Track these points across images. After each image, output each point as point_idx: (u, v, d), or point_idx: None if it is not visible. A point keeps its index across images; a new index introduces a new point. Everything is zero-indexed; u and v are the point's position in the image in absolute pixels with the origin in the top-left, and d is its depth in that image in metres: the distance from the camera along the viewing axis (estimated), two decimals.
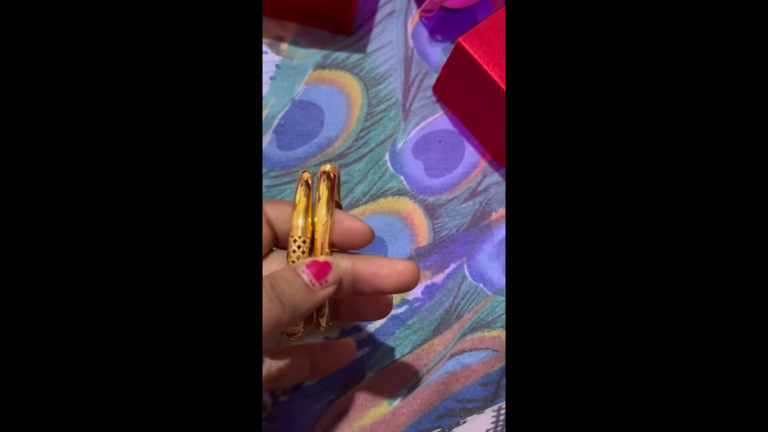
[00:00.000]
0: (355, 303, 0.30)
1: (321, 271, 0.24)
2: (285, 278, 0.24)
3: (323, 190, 0.25)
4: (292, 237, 0.25)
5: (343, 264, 0.25)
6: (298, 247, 0.25)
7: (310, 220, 0.25)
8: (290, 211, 0.26)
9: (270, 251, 0.27)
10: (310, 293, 0.24)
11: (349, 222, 0.26)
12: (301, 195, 0.25)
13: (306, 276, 0.24)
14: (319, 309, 0.25)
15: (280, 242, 0.27)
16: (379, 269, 0.25)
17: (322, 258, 0.25)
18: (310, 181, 0.26)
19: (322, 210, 0.25)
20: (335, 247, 0.27)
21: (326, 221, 0.25)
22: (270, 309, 0.22)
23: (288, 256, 0.25)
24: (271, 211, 0.26)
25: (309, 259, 0.25)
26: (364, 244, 0.27)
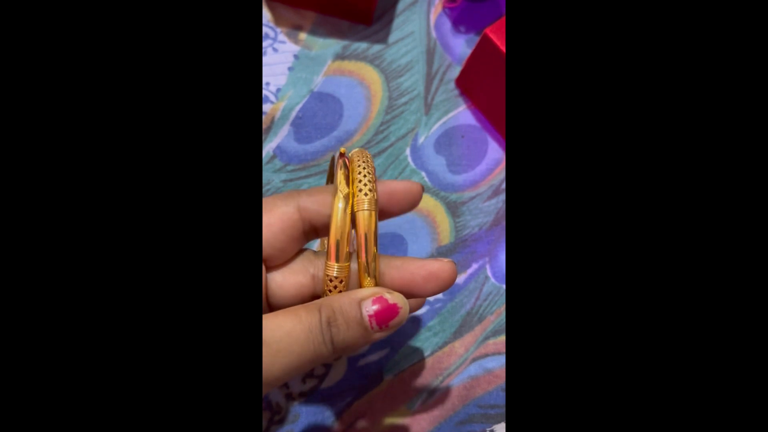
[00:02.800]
0: None
1: (386, 314, 0.21)
2: (345, 315, 0.20)
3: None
4: (327, 276, 0.22)
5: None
6: (335, 287, 0.22)
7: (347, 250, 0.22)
8: (329, 199, 0.23)
9: (302, 250, 0.25)
10: (365, 336, 0.21)
11: (394, 184, 0.23)
12: (341, 178, 0.22)
13: (366, 315, 0.21)
14: None
15: (320, 233, 0.24)
16: (413, 276, 0.23)
17: (390, 297, 0.21)
18: (348, 164, 0.23)
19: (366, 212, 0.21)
20: (383, 212, 0.24)
21: (374, 253, 0.21)
22: (321, 351, 0.20)
23: (324, 284, 0.22)
24: (310, 204, 0.23)
25: (375, 293, 0.21)
26: (414, 204, 0.24)
